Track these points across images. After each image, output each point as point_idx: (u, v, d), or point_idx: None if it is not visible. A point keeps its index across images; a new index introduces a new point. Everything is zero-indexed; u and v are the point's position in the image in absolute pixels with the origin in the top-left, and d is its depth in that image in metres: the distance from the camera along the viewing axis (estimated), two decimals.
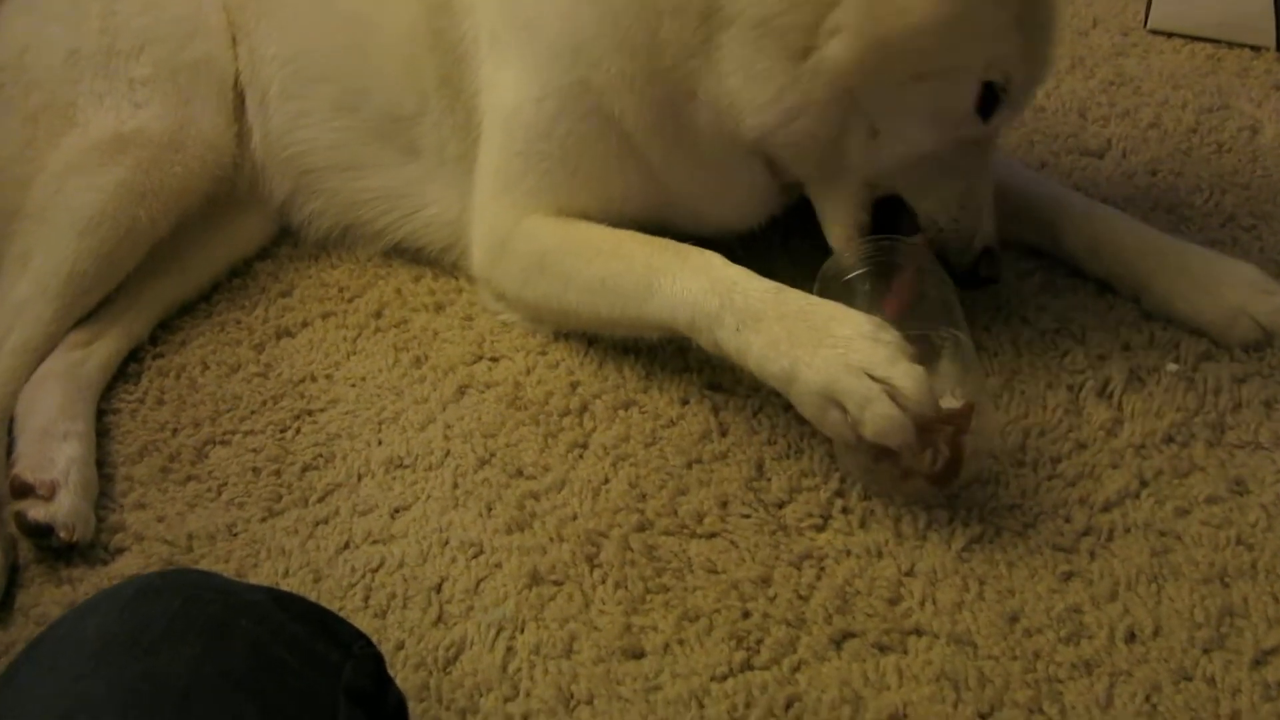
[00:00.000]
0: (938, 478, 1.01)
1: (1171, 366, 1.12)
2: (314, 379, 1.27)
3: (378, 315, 1.34)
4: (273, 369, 1.29)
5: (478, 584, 1.02)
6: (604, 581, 1.01)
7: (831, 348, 0.96)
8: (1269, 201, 1.31)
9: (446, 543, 1.06)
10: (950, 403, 0.98)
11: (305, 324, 1.35)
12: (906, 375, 0.93)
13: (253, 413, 1.23)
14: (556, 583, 1.01)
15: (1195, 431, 1.07)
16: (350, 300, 1.37)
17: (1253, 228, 1.28)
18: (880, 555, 1.00)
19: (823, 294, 1.07)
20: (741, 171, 1.18)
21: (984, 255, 1.13)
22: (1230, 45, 1.57)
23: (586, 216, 1.20)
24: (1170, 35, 1.62)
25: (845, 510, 1.04)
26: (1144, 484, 1.03)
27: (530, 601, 1.00)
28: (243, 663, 0.67)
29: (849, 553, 1.00)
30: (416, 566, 1.04)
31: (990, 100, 1.07)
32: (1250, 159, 1.37)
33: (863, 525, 1.02)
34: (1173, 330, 1.17)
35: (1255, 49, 1.56)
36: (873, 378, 0.93)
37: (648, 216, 1.20)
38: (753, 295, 1.03)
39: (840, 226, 1.15)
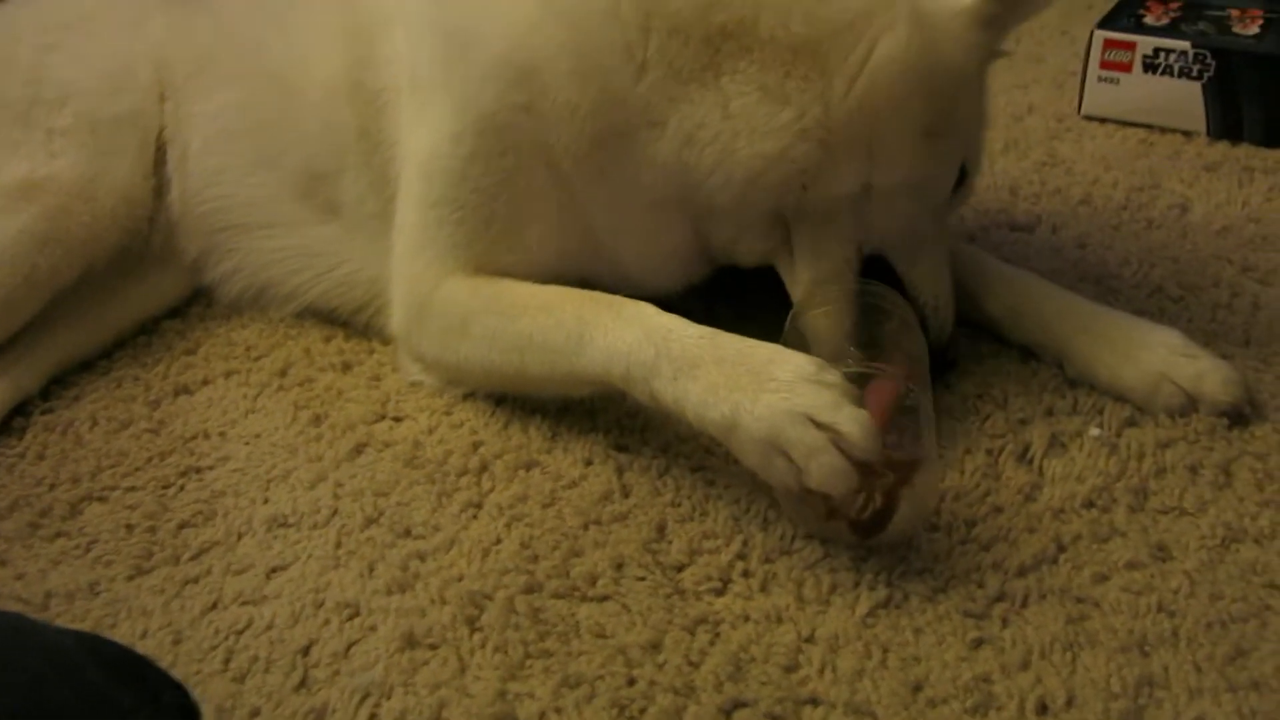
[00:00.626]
0: (863, 527, 0.96)
1: (1094, 431, 1.07)
2: (207, 436, 1.21)
3: (282, 374, 1.30)
4: (165, 426, 1.23)
5: (349, 647, 0.95)
6: (483, 646, 0.93)
7: (773, 392, 0.92)
8: (1196, 274, 1.28)
9: (321, 604, 0.99)
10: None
11: (206, 382, 1.30)
12: (852, 421, 0.88)
13: (137, 469, 1.17)
14: (432, 646, 0.94)
15: (1117, 496, 1.01)
16: (256, 359, 1.32)
17: (1180, 299, 1.25)
18: (780, 620, 0.93)
19: (798, 320, 1.06)
20: (674, 229, 1.13)
21: (952, 338, 1.13)
22: (1162, 130, 1.57)
23: (509, 272, 1.14)
24: (1104, 121, 1.62)
25: (746, 573, 0.97)
26: (1061, 549, 0.97)
27: (401, 666, 0.92)
28: (17, 700, 0.61)
29: (747, 618, 0.93)
30: (286, 629, 0.97)
31: (960, 177, 1.11)
32: (1179, 234, 1.35)
33: (764, 589, 0.96)
34: (1097, 396, 1.12)
35: (1186, 134, 1.56)
36: (817, 424, 0.89)
37: (573, 273, 1.15)
38: (689, 341, 0.98)
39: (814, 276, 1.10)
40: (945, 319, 1.11)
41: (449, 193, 1.13)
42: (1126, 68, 1.54)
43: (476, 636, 0.94)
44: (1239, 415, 1.08)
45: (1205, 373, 1.08)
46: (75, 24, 1.41)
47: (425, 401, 1.21)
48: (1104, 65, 1.56)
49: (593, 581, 0.98)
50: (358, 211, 1.27)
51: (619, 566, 0.99)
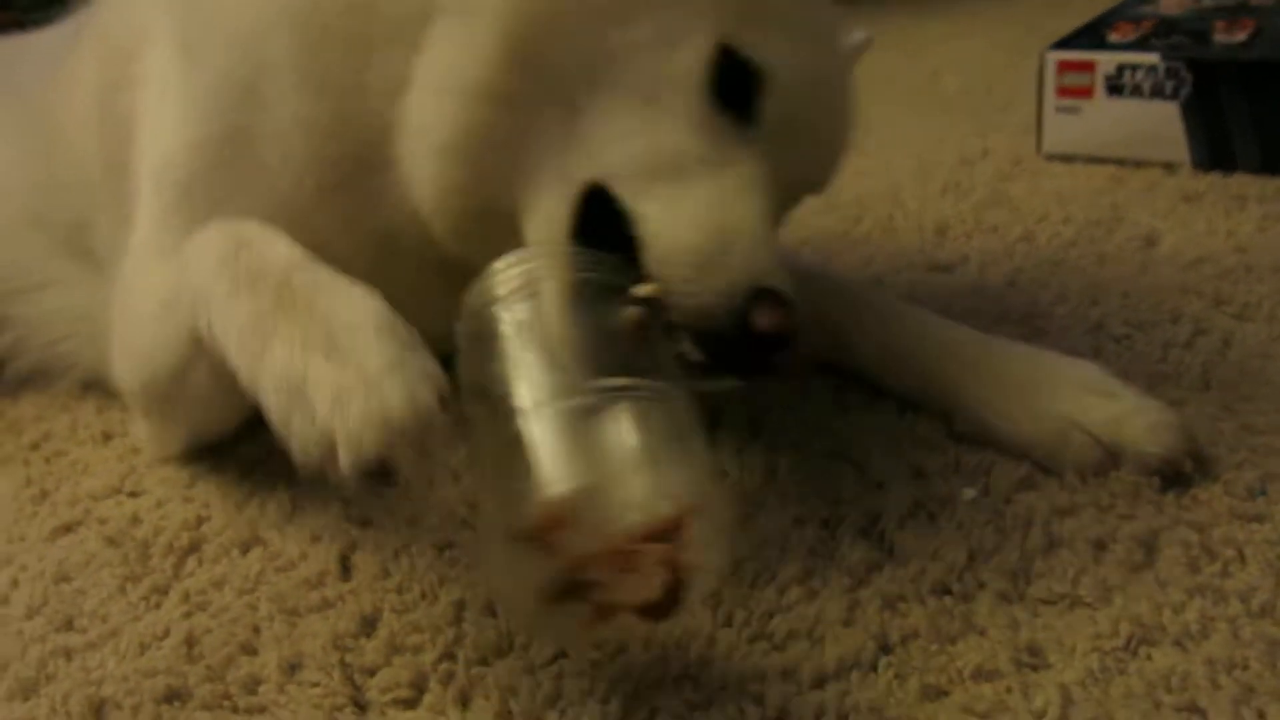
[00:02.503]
0: (655, 610, 0.66)
1: (969, 493, 0.78)
2: None
3: (34, 447, 1.09)
4: None
5: None
6: None
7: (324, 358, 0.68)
8: (1151, 309, 0.99)
9: None
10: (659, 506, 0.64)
11: None
12: (402, 385, 0.65)
13: None
14: None
15: (984, 580, 0.71)
16: (15, 433, 1.13)
17: (1125, 337, 0.95)
18: None
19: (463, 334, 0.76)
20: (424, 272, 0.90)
21: (760, 298, 0.73)
22: (1138, 165, 1.29)
23: None
24: (1069, 160, 1.35)
25: (449, 678, 0.70)
26: (885, 650, 0.67)
27: None
28: None
29: None
30: None
31: (738, 79, 0.77)
32: (1137, 268, 1.06)
33: (462, 701, 0.68)
34: (989, 454, 0.83)
35: (1168, 166, 1.27)
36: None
37: None
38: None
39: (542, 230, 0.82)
40: (714, 276, 0.73)
41: (180, 202, 0.93)
42: (1086, 92, 1.28)
43: None
44: (1175, 473, 0.78)
45: (1126, 415, 0.79)
46: None
47: (170, 474, 1.00)
48: (1061, 92, 1.30)
49: (253, 688, 0.72)
50: (109, 257, 1.09)
51: (293, 669, 0.73)
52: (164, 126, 0.98)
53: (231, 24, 0.91)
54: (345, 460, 0.65)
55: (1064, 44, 1.35)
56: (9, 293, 1.20)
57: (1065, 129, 1.32)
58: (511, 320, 0.72)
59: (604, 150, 0.76)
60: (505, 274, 0.74)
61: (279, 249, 0.78)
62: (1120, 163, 1.31)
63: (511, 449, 0.65)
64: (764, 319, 0.72)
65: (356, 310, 0.71)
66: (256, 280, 0.75)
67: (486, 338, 0.72)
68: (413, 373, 0.66)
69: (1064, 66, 1.30)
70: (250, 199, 0.91)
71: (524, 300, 0.72)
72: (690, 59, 0.75)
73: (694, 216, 0.74)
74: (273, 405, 0.70)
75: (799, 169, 0.82)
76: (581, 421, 0.65)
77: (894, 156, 1.48)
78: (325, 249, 0.89)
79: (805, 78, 0.79)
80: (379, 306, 0.71)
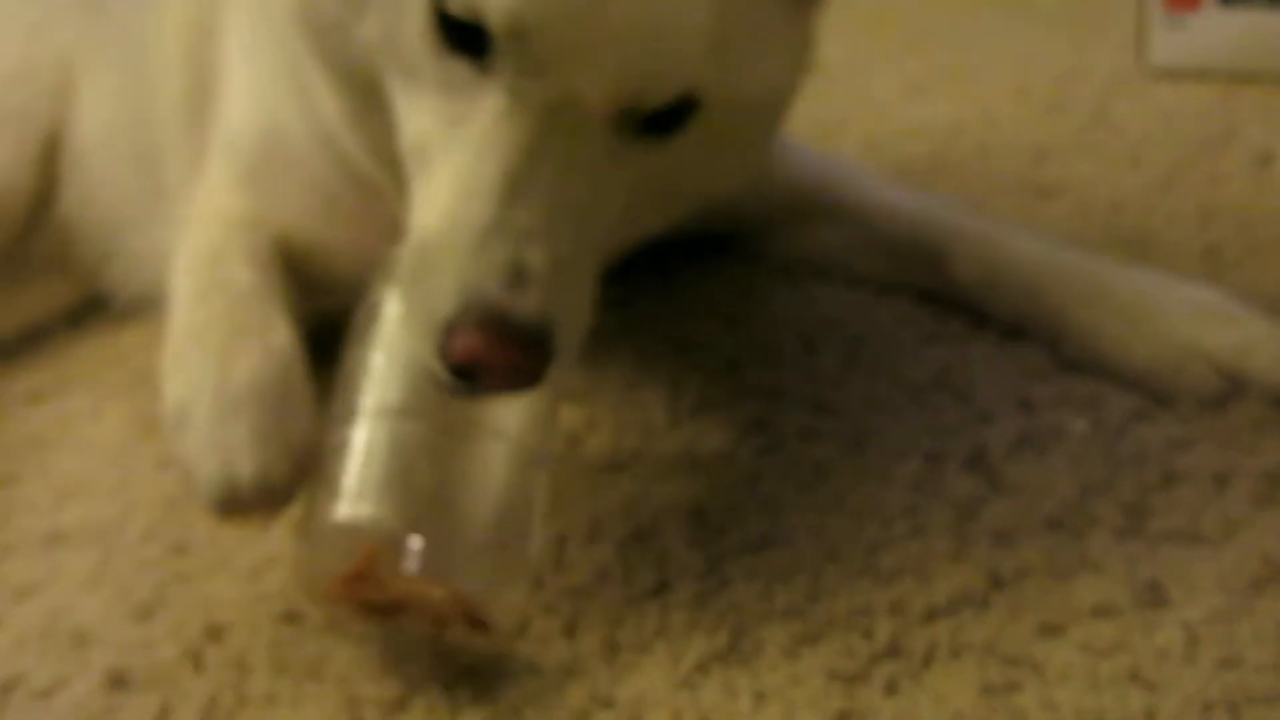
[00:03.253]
0: (478, 626, 0.66)
1: (1079, 425, 0.76)
2: (38, 445, 1.04)
3: (141, 380, 1.12)
4: (1, 435, 1.07)
5: (55, 685, 0.74)
6: (196, 691, 0.71)
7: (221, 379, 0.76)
8: (1271, 230, 0.95)
9: (51, 632, 0.79)
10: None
11: (62, 389, 1.14)
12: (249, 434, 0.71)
13: None
14: (141, 688, 0.72)
15: (1099, 515, 0.70)
16: (121, 364, 1.16)
17: (1239, 263, 0.92)
18: (574, 673, 0.66)
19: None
20: None
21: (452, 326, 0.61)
22: (1251, 79, 1.22)
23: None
24: (1177, 77, 1.29)
25: (552, 609, 0.70)
26: (998, 585, 0.66)
27: (91, 712, 0.71)
28: None
29: (534, 669, 0.67)
30: (1, 659, 0.77)
31: (460, 28, 0.64)
32: (1254, 189, 1.02)
33: (569, 632, 0.68)
34: (1097, 383, 0.81)
35: None
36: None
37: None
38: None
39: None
40: (428, 311, 0.62)
41: (251, 176, 0.95)
42: (1195, 3, 1.21)
43: (195, 679, 0.72)
44: None
45: (1253, 342, 0.77)
46: None
47: None
48: (1168, 4, 1.24)
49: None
50: (179, 194, 1.11)
51: None
52: (236, 101, 1.00)
53: (274, 19, 0.90)
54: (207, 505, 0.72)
55: None
56: (120, 225, 1.22)
57: (1172, 44, 1.27)
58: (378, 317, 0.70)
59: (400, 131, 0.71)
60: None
61: (246, 274, 0.82)
62: (1232, 77, 1.25)
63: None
64: (452, 349, 0.60)
65: (256, 355, 0.74)
66: (210, 293, 0.80)
67: (360, 327, 0.71)
68: (275, 448, 0.69)
69: None
70: (304, 186, 0.92)
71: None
72: (414, 26, 0.66)
73: (414, 229, 0.67)
74: (168, 415, 0.77)
75: (587, 87, 0.64)
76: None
77: (988, 77, 1.43)
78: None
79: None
80: (279, 365, 0.74)
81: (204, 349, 0.77)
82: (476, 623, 0.66)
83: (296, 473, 0.69)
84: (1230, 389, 0.77)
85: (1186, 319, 0.79)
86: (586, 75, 0.63)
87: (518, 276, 0.60)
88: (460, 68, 0.64)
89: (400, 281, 0.65)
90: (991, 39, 1.55)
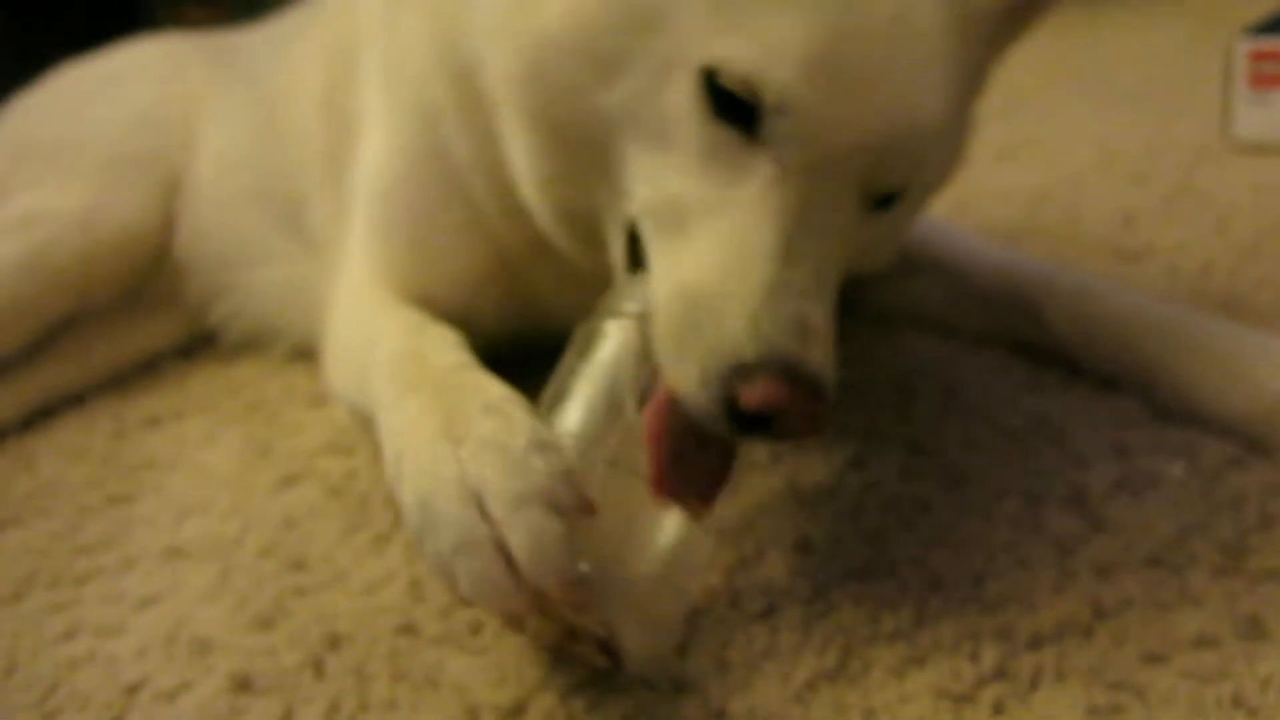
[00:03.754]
0: (609, 652, 0.68)
1: (1176, 470, 0.78)
2: (153, 466, 1.10)
3: (254, 409, 1.18)
4: (118, 456, 1.13)
5: (179, 688, 0.78)
6: (318, 696, 0.74)
7: (456, 443, 0.68)
8: None
9: (174, 639, 0.83)
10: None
11: (177, 415, 1.20)
12: (526, 531, 0.62)
13: (66, 495, 1.06)
14: (264, 691, 0.75)
15: (1198, 553, 0.71)
16: (234, 394, 1.22)
17: None
18: (687, 689, 0.68)
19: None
20: None
21: (743, 375, 0.65)
22: None
23: (436, 304, 0.97)
24: (1261, 151, 1.31)
25: None
26: (1101, 615, 0.68)
27: (217, 712, 0.74)
28: None
29: (646, 682, 0.69)
30: (125, 664, 0.81)
31: (734, 98, 0.68)
32: None
33: (680, 650, 0.71)
34: (1192, 431, 0.83)
35: None
36: (486, 515, 0.64)
37: (507, 314, 0.99)
38: (417, 361, 0.79)
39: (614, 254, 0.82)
40: (704, 366, 0.66)
41: (382, 214, 1.01)
42: (1279, 81, 1.25)
43: (317, 685, 0.75)
44: None
45: None
46: (120, 77, 1.43)
47: None
48: (1252, 82, 1.27)
49: (477, 629, 0.77)
50: (320, 237, 1.18)
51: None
52: (372, 139, 1.05)
53: (411, 64, 0.96)
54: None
55: (1257, 31, 1.32)
56: (232, 262, 1.30)
57: (1256, 119, 1.30)
58: (600, 345, 0.74)
59: (634, 192, 0.74)
60: (618, 302, 0.75)
61: (443, 357, 0.80)
62: None
63: None
64: (752, 396, 0.64)
65: (499, 416, 0.69)
66: (415, 387, 0.76)
67: (578, 350, 0.75)
68: (535, 519, 0.62)
69: (1257, 55, 1.27)
70: (449, 214, 0.97)
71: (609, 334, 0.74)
72: (679, 96, 0.70)
73: (677, 283, 0.69)
74: (409, 519, 0.69)
75: (848, 164, 0.70)
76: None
77: (1073, 146, 1.47)
78: (506, 264, 0.96)
79: (816, 53, 0.67)
80: (523, 413, 0.70)
81: (434, 417, 0.72)
82: (609, 651, 0.68)
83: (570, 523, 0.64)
84: None
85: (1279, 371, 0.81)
86: (851, 150, 0.69)
87: (804, 331, 0.66)
88: (727, 135, 0.69)
89: (660, 335, 0.69)
90: (1076, 111, 1.59)
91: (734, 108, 0.68)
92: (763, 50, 0.67)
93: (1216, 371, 0.83)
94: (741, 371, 0.64)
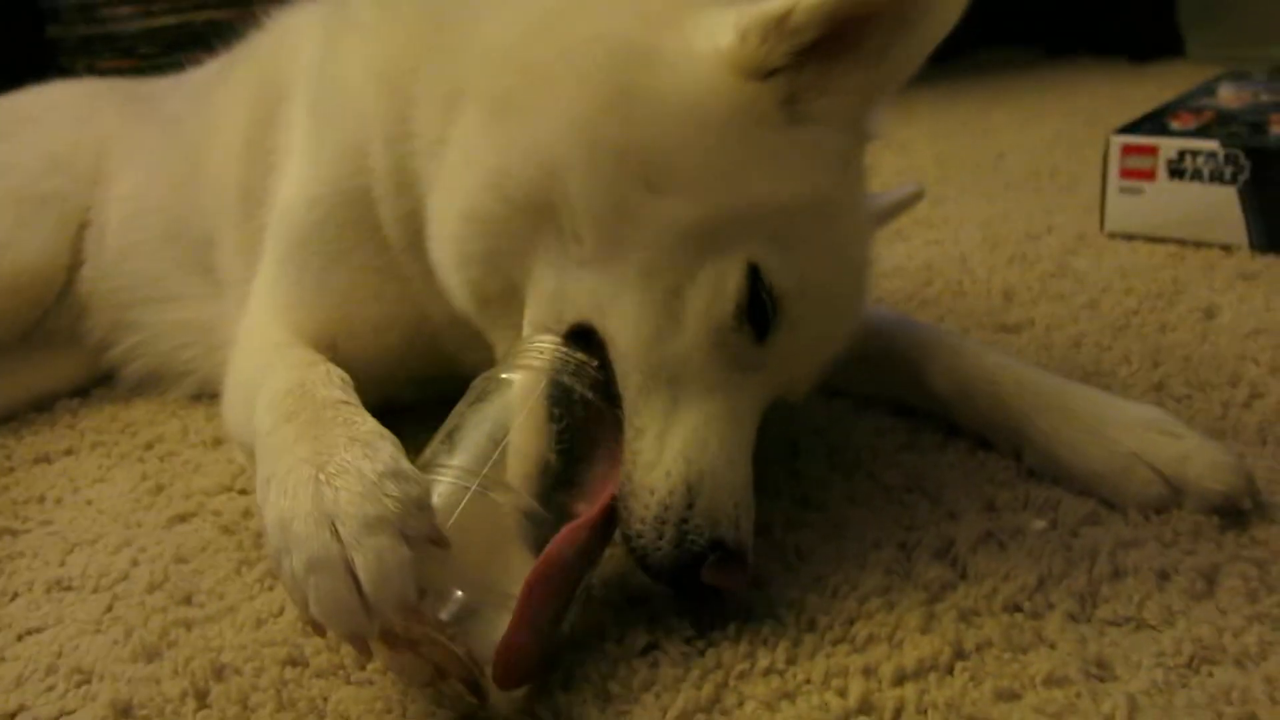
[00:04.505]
0: (475, 690, 0.70)
1: (1038, 524, 0.83)
2: (42, 501, 1.09)
3: (149, 447, 1.18)
4: (7, 490, 1.12)
5: (57, 716, 0.77)
6: None
7: (318, 469, 0.70)
8: (1211, 372, 1.04)
9: (54, 669, 0.82)
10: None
11: (69, 452, 1.19)
12: (373, 554, 0.64)
13: None
14: (145, 719, 0.75)
15: (1054, 601, 0.76)
16: (130, 433, 1.21)
17: (1186, 397, 1.00)
18: None
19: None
20: None
21: (719, 558, 0.74)
22: (1198, 245, 1.35)
23: (340, 347, 0.98)
24: (1130, 238, 1.41)
25: (552, 662, 0.75)
26: (960, 656, 0.72)
27: None
28: None
29: (531, 715, 0.71)
30: (3, 692, 0.80)
31: (758, 300, 0.78)
32: (1199, 336, 1.12)
33: (565, 686, 0.73)
34: (1055, 491, 0.88)
35: (1226, 248, 1.33)
36: (338, 537, 0.66)
37: (411, 359, 1.02)
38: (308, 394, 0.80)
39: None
40: (687, 539, 0.74)
41: (294, 253, 1.03)
42: (1149, 175, 1.35)
43: (200, 714, 0.75)
44: (1234, 511, 0.83)
45: (1191, 454, 0.84)
46: (34, 116, 1.43)
47: None
48: (1124, 174, 1.37)
49: (363, 663, 0.78)
50: (230, 278, 1.19)
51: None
52: (292, 177, 1.07)
53: (347, 92, 0.98)
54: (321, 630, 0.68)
55: (1129, 129, 1.42)
56: (137, 301, 1.30)
57: (1128, 209, 1.39)
58: (491, 390, 0.79)
59: (610, 312, 0.78)
60: (524, 350, 0.80)
61: (324, 391, 0.82)
62: (1180, 242, 1.37)
63: None
64: (716, 578, 0.74)
65: (365, 450, 0.71)
66: (292, 417, 0.78)
67: (472, 398, 0.79)
68: (383, 544, 0.64)
69: (1128, 150, 1.37)
70: (363, 257, 0.98)
71: (509, 380, 0.78)
72: (719, 276, 0.77)
73: (672, 457, 0.76)
74: (270, 540, 0.70)
75: (793, 375, 0.84)
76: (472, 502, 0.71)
77: (961, 229, 1.55)
78: (415, 309, 0.98)
79: (821, 295, 0.81)
80: (390, 448, 0.72)
81: (299, 447, 0.74)
82: (474, 687, 0.70)
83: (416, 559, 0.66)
84: (1171, 495, 0.84)
85: (1134, 431, 0.86)
86: (816, 368, 0.85)
87: (746, 515, 0.77)
88: (746, 331, 0.78)
89: (638, 517, 0.75)
90: (966, 201, 1.68)
91: (755, 306, 0.78)
92: (804, 274, 0.79)
93: (1077, 429, 0.88)
94: (716, 549, 0.74)
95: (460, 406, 0.79)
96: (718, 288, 0.76)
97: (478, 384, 0.80)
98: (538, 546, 0.70)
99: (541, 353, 0.79)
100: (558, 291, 0.80)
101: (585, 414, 0.76)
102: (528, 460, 0.73)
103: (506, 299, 0.84)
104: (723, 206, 0.76)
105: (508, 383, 0.78)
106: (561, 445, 0.75)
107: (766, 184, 0.77)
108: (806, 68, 0.76)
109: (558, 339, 0.79)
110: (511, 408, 0.76)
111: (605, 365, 0.78)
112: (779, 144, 0.77)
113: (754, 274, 0.77)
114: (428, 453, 0.75)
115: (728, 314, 0.77)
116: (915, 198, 1.24)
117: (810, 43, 0.75)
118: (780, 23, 0.74)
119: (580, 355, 0.78)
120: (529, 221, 0.79)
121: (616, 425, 0.77)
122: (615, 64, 0.77)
